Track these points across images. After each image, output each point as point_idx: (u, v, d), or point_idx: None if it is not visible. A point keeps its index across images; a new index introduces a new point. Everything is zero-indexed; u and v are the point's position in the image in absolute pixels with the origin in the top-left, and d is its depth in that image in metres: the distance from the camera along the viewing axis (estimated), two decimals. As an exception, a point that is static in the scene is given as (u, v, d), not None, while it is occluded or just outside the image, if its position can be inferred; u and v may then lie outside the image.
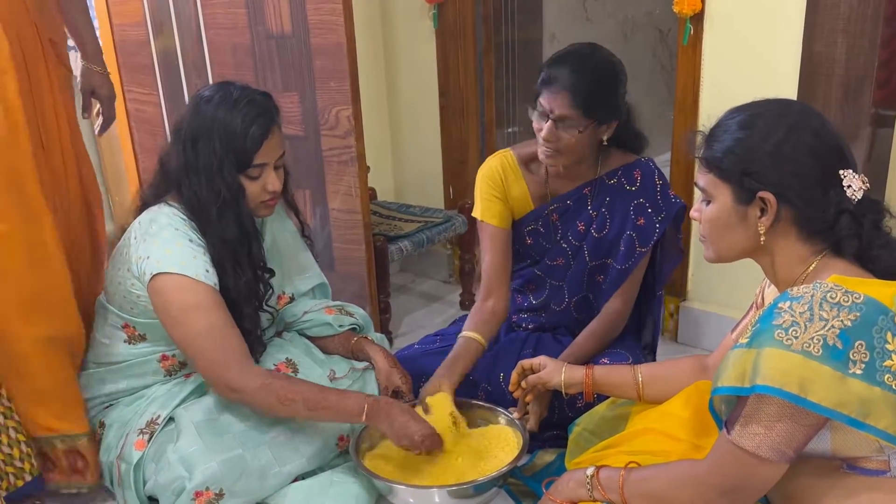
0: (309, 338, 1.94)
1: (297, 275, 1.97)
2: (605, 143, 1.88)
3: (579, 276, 2.02)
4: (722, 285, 2.47)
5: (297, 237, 1.96)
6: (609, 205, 1.96)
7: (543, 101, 1.81)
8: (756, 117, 1.24)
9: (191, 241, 1.64)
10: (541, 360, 1.72)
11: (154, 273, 1.59)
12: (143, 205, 1.74)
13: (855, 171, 1.21)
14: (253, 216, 1.72)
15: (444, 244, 3.01)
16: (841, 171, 1.20)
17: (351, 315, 1.97)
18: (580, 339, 1.96)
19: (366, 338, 1.94)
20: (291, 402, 1.59)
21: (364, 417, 1.63)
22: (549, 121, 1.80)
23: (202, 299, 1.60)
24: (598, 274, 2.01)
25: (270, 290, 1.81)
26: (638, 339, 2.10)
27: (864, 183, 1.20)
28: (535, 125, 1.84)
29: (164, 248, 1.61)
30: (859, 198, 1.19)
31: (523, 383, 1.73)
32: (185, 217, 1.67)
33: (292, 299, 1.96)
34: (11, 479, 1.77)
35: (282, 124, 1.73)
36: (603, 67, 1.82)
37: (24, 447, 1.77)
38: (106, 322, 1.77)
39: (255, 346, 1.74)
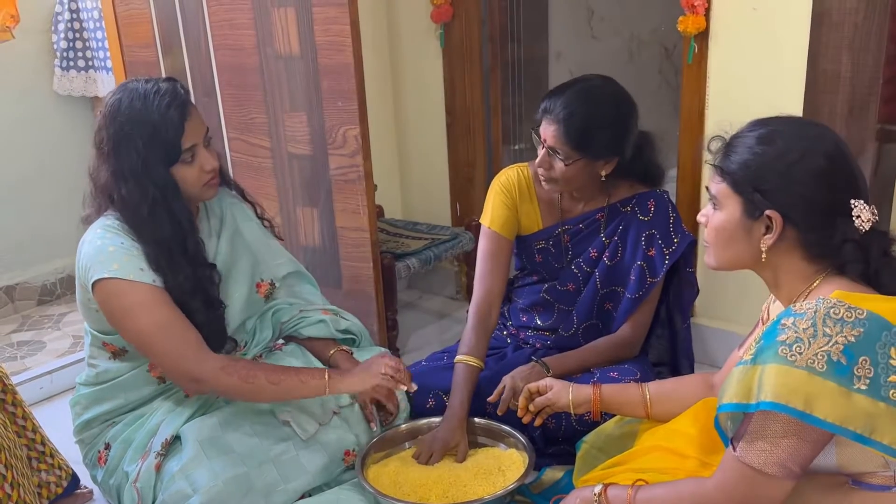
0: (305, 343, 1.94)
1: (272, 260, 1.95)
2: (604, 178, 1.88)
3: (589, 302, 2.02)
4: (728, 301, 2.46)
5: (261, 226, 1.95)
6: (622, 233, 1.96)
7: (541, 128, 1.84)
8: (775, 134, 1.24)
9: (122, 243, 1.63)
10: (546, 382, 1.71)
11: (92, 282, 1.60)
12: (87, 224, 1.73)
13: (867, 201, 1.19)
14: (189, 212, 1.70)
15: (451, 261, 3.02)
16: (852, 201, 1.19)
17: (346, 320, 1.99)
18: (582, 350, 1.97)
19: (343, 350, 1.94)
20: (254, 377, 1.61)
21: (327, 377, 1.65)
22: (544, 149, 1.83)
23: (140, 298, 1.60)
24: (608, 302, 2.02)
25: (219, 279, 1.78)
26: (646, 356, 2.10)
27: (873, 215, 1.19)
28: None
29: (96, 257, 1.61)
30: (867, 229, 1.19)
31: (531, 406, 1.73)
32: (117, 223, 1.66)
33: (272, 285, 1.94)
34: (52, 486, 1.82)
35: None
36: (603, 104, 1.82)
37: (49, 444, 1.85)
38: (89, 344, 1.79)
39: (215, 339, 1.71)
